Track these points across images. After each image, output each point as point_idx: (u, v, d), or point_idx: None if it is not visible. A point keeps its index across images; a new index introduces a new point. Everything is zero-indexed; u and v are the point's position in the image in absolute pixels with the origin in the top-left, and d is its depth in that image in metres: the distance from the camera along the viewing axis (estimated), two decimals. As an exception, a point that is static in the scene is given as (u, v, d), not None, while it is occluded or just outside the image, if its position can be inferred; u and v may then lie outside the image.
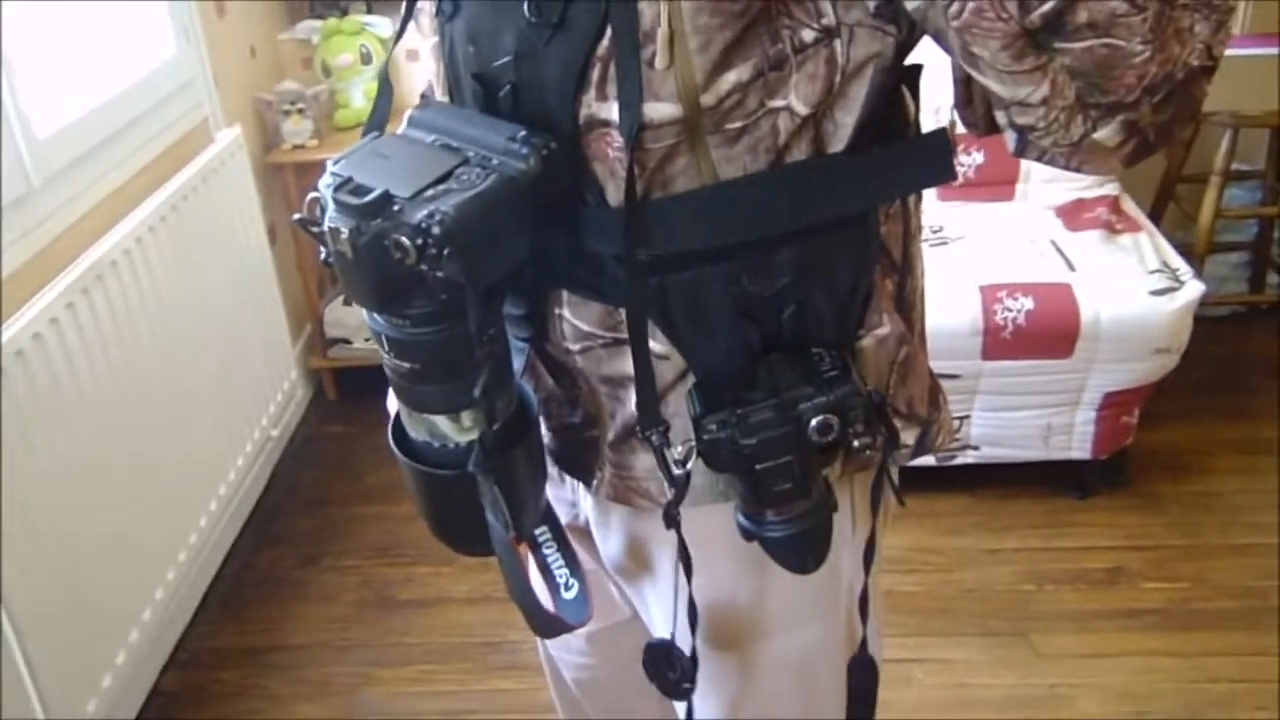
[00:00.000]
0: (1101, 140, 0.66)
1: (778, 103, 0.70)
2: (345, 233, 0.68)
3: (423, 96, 0.87)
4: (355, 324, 2.78)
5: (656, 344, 0.77)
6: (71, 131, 1.88)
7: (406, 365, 0.74)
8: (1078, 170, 0.71)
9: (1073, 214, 2.43)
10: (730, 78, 0.69)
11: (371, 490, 2.49)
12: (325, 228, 0.70)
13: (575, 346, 0.82)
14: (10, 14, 1.71)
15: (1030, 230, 2.39)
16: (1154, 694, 1.87)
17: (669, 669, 0.88)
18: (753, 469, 0.73)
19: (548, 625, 0.86)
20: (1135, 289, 2.14)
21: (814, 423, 0.72)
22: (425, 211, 0.66)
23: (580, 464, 0.89)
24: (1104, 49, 0.61)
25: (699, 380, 0.78)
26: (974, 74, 0.66)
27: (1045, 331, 2.11)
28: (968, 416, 2.23)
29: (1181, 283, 2.15)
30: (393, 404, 1.05)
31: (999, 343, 2.12)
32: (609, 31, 0.68)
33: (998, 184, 2.52)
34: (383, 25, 2.74)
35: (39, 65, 1.83)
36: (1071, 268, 2.22)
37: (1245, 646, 1.96)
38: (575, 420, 0.87)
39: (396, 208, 0.67)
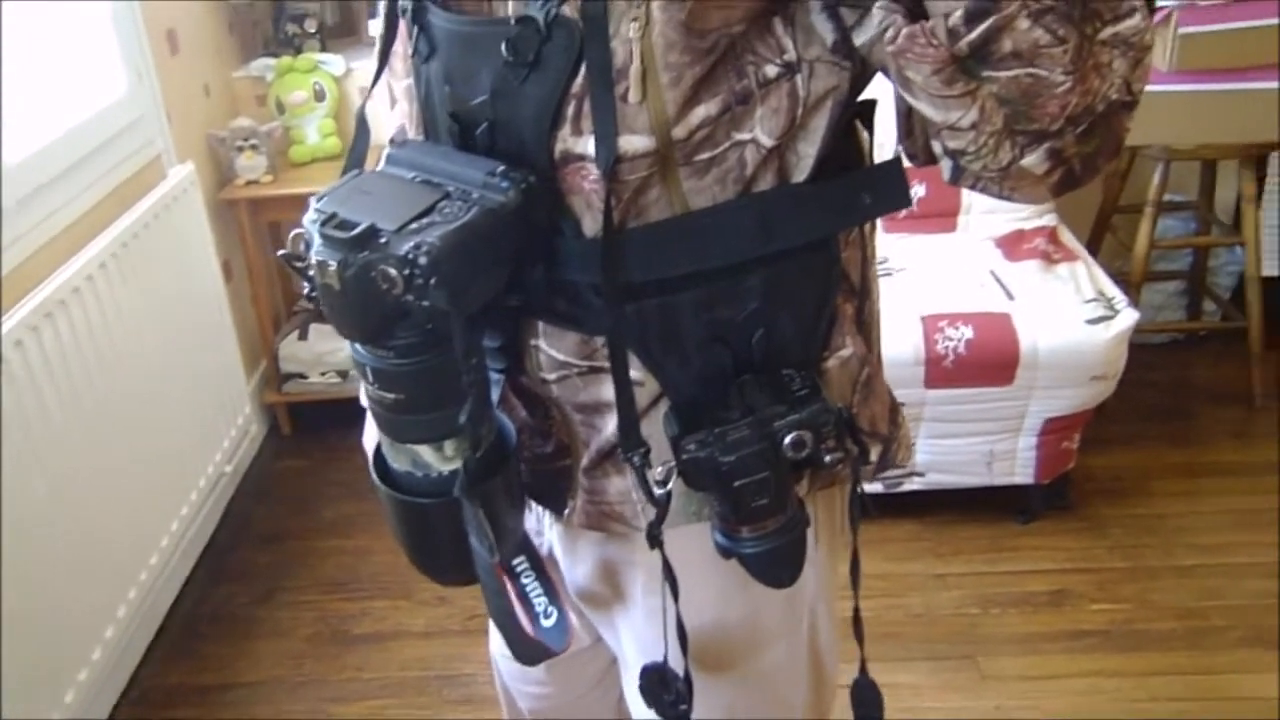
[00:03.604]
0: (1029, 167, 0.69)
1: (744, 135, 0.74)
2: (333, 265, 0.70)
3: (391, 141, 0.90)
4: (310, 359, 2.79)
5: (633, 370, 0.81)
6: (35, 160, 1.90)
7: (390, 396, 0.76)
8: (1009, 198, 0.74)
9: (1012, 245, 2.49)
10: (700, 111, 0.72)
11: (326, 525, 2.49)
12: (312, 261, 0.72)
13: (551, 376, 0.84)
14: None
15: (971, 261, 2.45)
16: (1098, 714, 1.91)
17: (664, 691, 0.89)
18: (731, 486, 0.76)
19: (531, 651, 0.87)
20: (1072, 318, 2.19)
21: (789, 439, 0.76)
22: (411, 243, 0.69)
23: (552, 494, 0.91)
24: (1028, 78, 0.65)
25: (674, 403, 0.81)
26: (909, 99, 0.70)
27: (986, 360, 2.16)
28: (913, 444, 2.27)
29: (1116, 311, 2.22)
30: (371, 438, 1.05)
31: (941, 372, 2.17)
32: (583, 69, 0.72)
33: (940, 216, 2.58)
34: (336, 63, 2.77)
35: (7, 89, 1.84)
36: (1010, 297, 2.28)
37: (1188, 666, 2.00)
38: (547, 450, 0.89)
39: (383, 240, 0.70)
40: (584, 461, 0.87)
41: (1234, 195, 2.79)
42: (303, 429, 2.88)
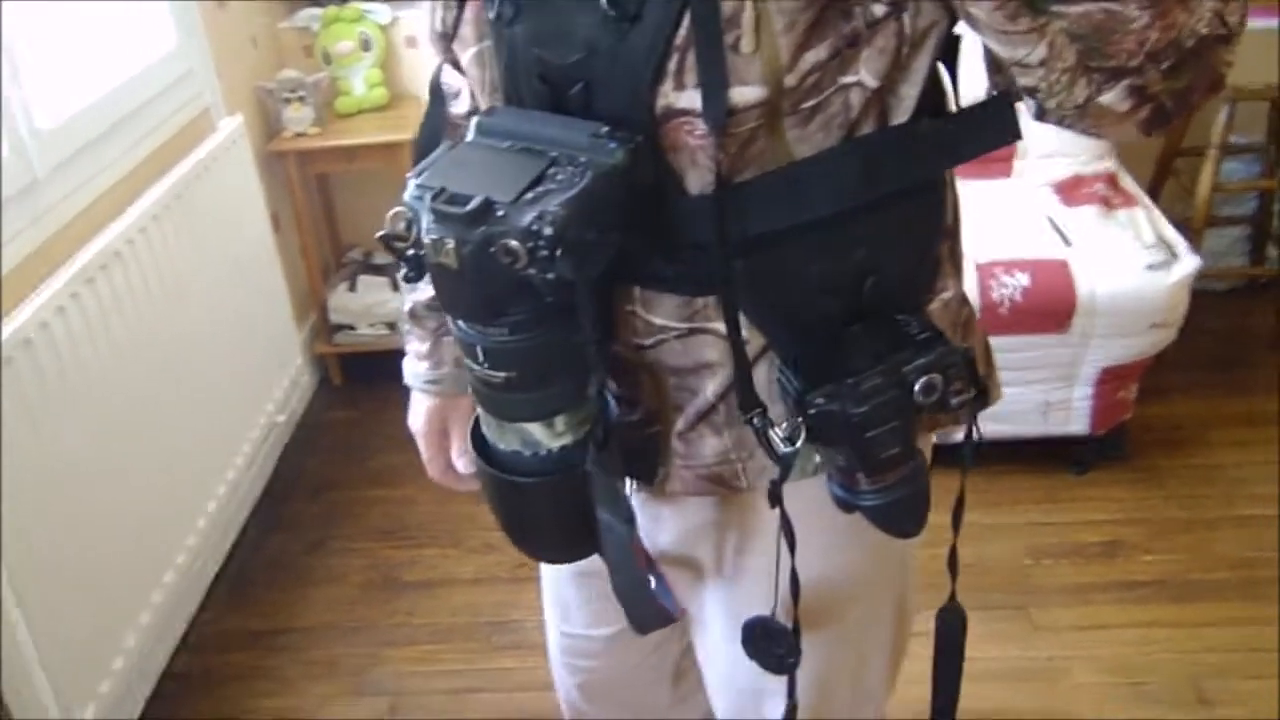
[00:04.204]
0: (1109, 105, 0.67)
1: (850, 78, 0.71)
2: (451, 243, 0.67)
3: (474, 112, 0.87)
4: (359, 310, 2.80)
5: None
6: (75, 123, 1.90)
7: (501, 375, 0.74)
8: (1096, 135, 0.72)
9: (1070, 190, 2.43)
10: (810, 57, 0.69)
11: (377, 474, 2.52)
12: (426, 240, 0.69)
13: (648, 341, 0.82)
14: (11, 6, 1.73)
15: (1027, 206, 2.40)
16: (1150, 665, 1.89)
17: (771, 644, 0.88)
18: (863, 437, 0.74)
19: (655, 620, 0.86)
20: (1131, 264, 2.14)
21: (920, 384, 0.74)
22: (534, 214, 0.66)
23: (641, 462, 0.89)
24: (1101, 14, 0.62)
25: (785, 359, 0.79)
26: (977, 34, 0.67)
27: (1042, 307, 2.12)
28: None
29: (1177, 257, 2.16)
30: (423, 419, 1.06)
31: (996, 319, 2.13)
32: (686, 20, 0.68)
33: (995, 160, 2.52)
34: (382, 12, 2.75)
35: (41, 57, 1.86)
36: (1068, 243, 2.23)
37: (1242, 617, 1.97)
38: (634, 418, 0.87)
39: (500, 213, 0.67)
40: (678, 425, 0.85)
41: (1302, 137, 2.70)
42: (352, 379, 2.90)
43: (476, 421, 0.84)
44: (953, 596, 0.93)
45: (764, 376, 0.80)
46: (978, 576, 2.10)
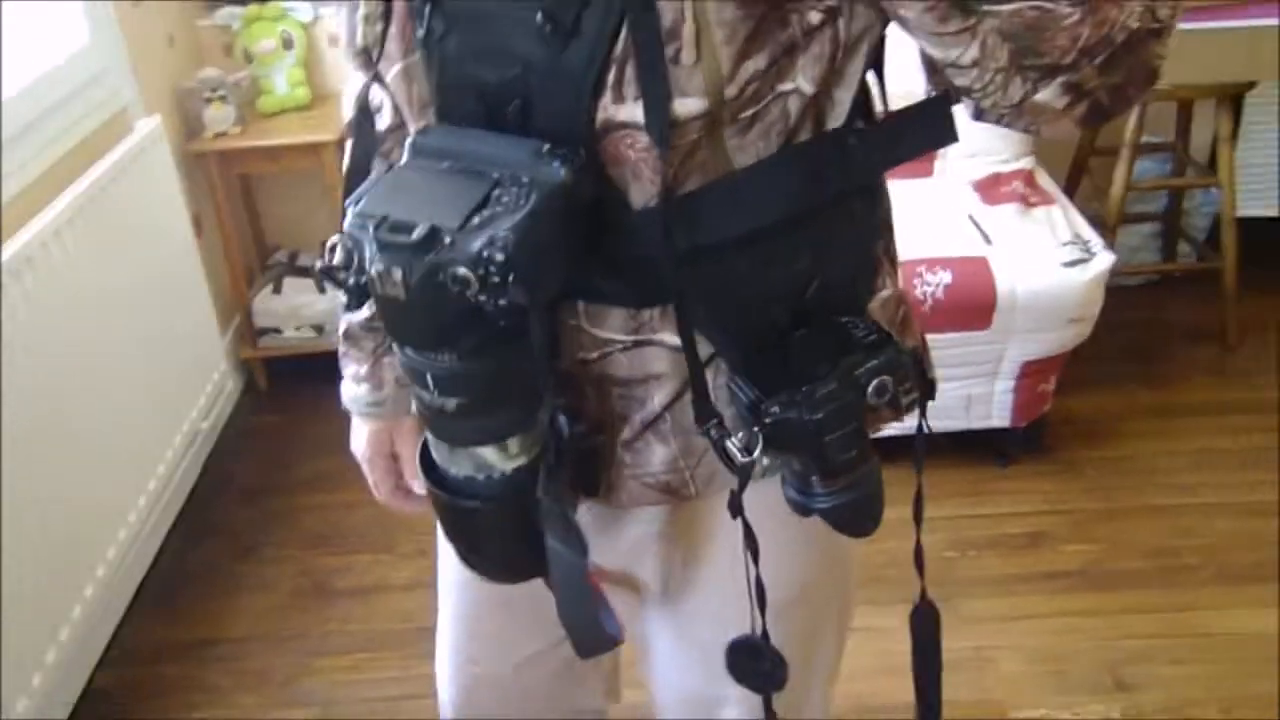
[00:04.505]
0: (1045, 102, 0.67)
1: (787, 86, 0.71)
2: (399, 273, 0.66)
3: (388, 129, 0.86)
4: (285, 313, 2.76)
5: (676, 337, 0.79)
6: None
7: (453, 402, 0.73)
8: (1035, 132, 0.72)
9: (989, 188, 2.48)
10: (749, 66, 0.69)
11: (306, 479, 2.48)
12: (372, 271, 0.67)
13: (593, 355, 0.81)
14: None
15: (948, 205, 2.45)
16: (1073, 652, 1.94)
17: (758, 663, 0.88)
18: (820, 443, 0.74)
19: (600, 644, 0.85)
20: (1049, 261, 2.20)
21: (872, 386, 0.74)
22: (483, 240, 0.65)
23: (585, 473, 0.88)
24: (1032, 11, 0.62)
25: (731, 367, 0.79)
26: (910, 36, 0.68)
27: (964, 304, 2.17)
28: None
29: (1092, 254, 2.22)
30: (364, 443, 1.04)
31: (920, 316, 2.16)
32: (624, 32, 0.68)
33: (917, 160, 2.56)
34: (304, 10, 2.71)
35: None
36: (988, 241, 2.28)
37: (1161, 604, 2.04)
38: (579, 430, 0.86)
39: (448, 240, 0.66)
40: (624, 435, 0.84)
41: (1210, 136, 2.78)
42: (279, 384, 2.86)
43: (425, 445, 0.83)
44: (923, 594, 0.94)
45: (711, 385, 0.80)
46: (905, 570, 2.12)
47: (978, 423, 2.33)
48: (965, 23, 0.64)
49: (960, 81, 0.68)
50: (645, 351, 0.80)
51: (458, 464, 0.78)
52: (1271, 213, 2.89)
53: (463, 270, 0.65)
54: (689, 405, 0.80)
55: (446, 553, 1.07)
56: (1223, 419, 2.52)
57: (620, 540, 0.94)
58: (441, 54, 0.74)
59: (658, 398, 0.82)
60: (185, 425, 2.40)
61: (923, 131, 0.78)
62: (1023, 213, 2.38)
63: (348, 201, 0.71)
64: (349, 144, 0.98)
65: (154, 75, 2.50)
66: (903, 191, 2.54)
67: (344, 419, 1.07)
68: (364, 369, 1.00)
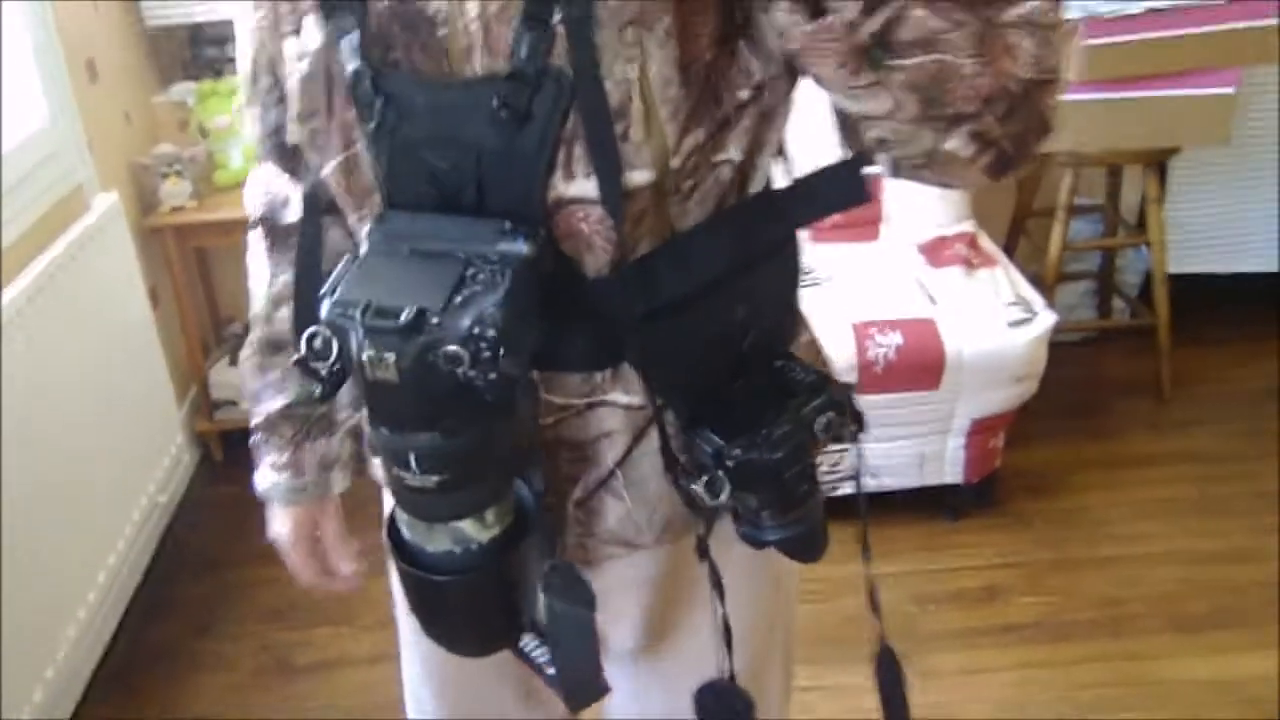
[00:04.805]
0: (953, 151, 0.72)
1: (721, 157, 0.78)
2: (391, 357, 0.68)
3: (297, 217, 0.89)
4: (240, 384, 2.75)
5: (631, 397, 0.83)
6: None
7: (435, 479, 0.74)
8: (946, 185, 0.78)
9: (934, 251, 2.56)
10: (689, 140, 0.75)
11: (264, 552, 2.38)
12: (363, 358, 0.69)
13: (549, 420, 0.84)
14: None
15: (895, 268, 2.52)
16: (1030, 703, 1.99)
17: (728, 705, 0.91)
18: (781, 480, 0.80)
19: (595, 694, 0.86)
20: (994, 322, 2.28)
21: (819, 423, 0.80)
22: (471, 318, 0.68)
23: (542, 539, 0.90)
24: (934, 64, 0.67)
25: (680, 419, 0.83)
26: (828, 94, 0.73)
27: (914, 365, 2.23)
28: (846, 449, 2.33)
29: (1035, 314, 2.30)
30: (292, 528, 1.05)
31: (873, 377, 2.23)
32: (572, 114, 0.72)
33: (862, 225, 2.64)
34: (258, 86, 2.74)
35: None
36: (934, 302, 2.35)
37: (1112, 653, 2.09)
38: (537, 493, 0.89)
39: (436, 321, 0.68)
40: (575, 495, 0.88)
41: (1138, 198, 2.91)
42: (235, 455, 2.84)
43: (393, 522, 0.83)
44: (882, 639, 0.97)
45: (658, 439, 0.84)
46: (864, 627, 2.16)
47: (931, 479, 2.39)
48: (875, 76, 0.68)
49: (874, 134, 0.73)
50: (599, 412, 0.84)
51: (435, 541, 0.80)
52: (1200, 269, 3.01)
53: (454, 348, 0.68)
54: (640, 460, 0.85)
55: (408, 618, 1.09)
56: (1162, 469, 2.61)
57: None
58: (392, 144, 0.77)
59: (610, 455, 0.86)
60: (143, 499, 2.39)
61: (836, 190, 0.83)
62: (967, 274, 2.46)
63: (320, 293, 0.73)
64: (262, 242, 1.01)
65: (111, 152, 2.51)
66: (850, 255, 2.64)
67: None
68: (285, 456, 1.02)
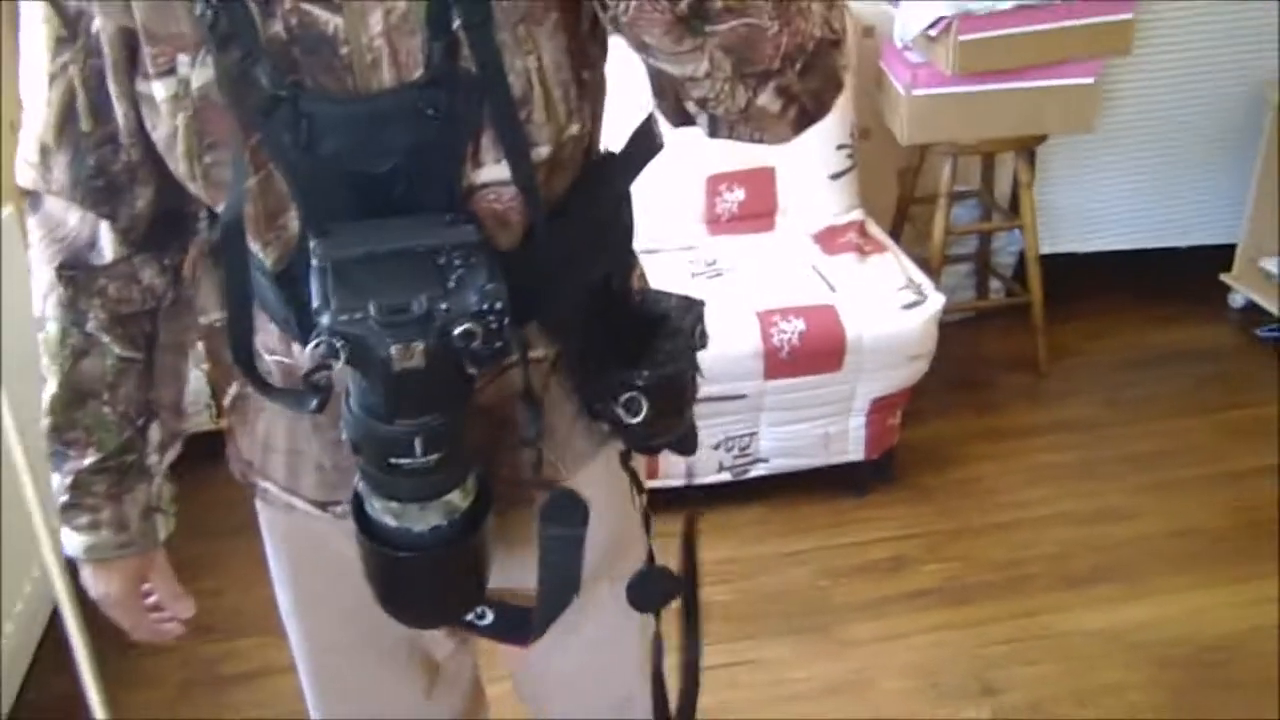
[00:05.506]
0: (764, 106, 0.81)
1: (577, 128, 0.87)
2: (420, 345, 0.74)
3: (222, 238, 0.87)
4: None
5: (535, 351, 0.92)
6: None
7: (435, 456, 0.80)
8: (760, 141, 0.86)
9: (828, 240, 2.67)
10: (576, 117, 0.86)
11: (181, 566, 2.41)
12: (391, 352, 0.74)
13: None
14: None
15: (793, 257, 2.62)
16: (943, 664, 2.11)
17: (655, 586, 1.06)
18: (683, 382, 0.96)
19: (561, 608, 0.98)
20: (889, 305, 2.40)
21: (696, 332, 0.98)
22: (474, 296, 0.76)
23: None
24: (744, 28, 0.77)
25: (577, 359, 0.94)
26: (653, 62, 0.81)
27: (817, 349, 2.34)
28: (755, 433, 2.43)
29: (925, 296, 2.43)
30: (116, 583, 1.06)
31: (778, 363, 2.33)
32: (486, 108, 0.80)
33: (759, 216, 2.74)
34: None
35: None
36: (833, 289, 2.46)
37: (1014, 611, 2.24)
38: None
39: (444, 306, 0.75)
40: (501, 455, 0.94)
41: (1011, 184, 3.08)
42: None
43: (359, 502, 0.86)
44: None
45: (558, 380, 0.95)
46: (782, 603, 2.27)
47: (835, 458, 2.50)
48: (696, 41, 0.78)
49: (696, 94, 0.82)
50: (509, 375, 0.91)
51: (427, 518, 0.84)
52: (1068, 249, 3.20)
53: (468, 325, 0.75)
54: (550, 410, 0.94)
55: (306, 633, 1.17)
56: (1044, 438, 2.78)
57: (507, 554, 0.98)
58: (314, 160, 0.80)
59: (522, 413, 0.92)
60: (54, 519, 2.32)
61: (645, 147, 0.93)
62: (860, 260, 2.57)
63: (315, 310, 0.76)
64: (59, 291, 0.95)
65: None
66: (749, 246, 2.73)
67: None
68: (103, 514, 1.00)
